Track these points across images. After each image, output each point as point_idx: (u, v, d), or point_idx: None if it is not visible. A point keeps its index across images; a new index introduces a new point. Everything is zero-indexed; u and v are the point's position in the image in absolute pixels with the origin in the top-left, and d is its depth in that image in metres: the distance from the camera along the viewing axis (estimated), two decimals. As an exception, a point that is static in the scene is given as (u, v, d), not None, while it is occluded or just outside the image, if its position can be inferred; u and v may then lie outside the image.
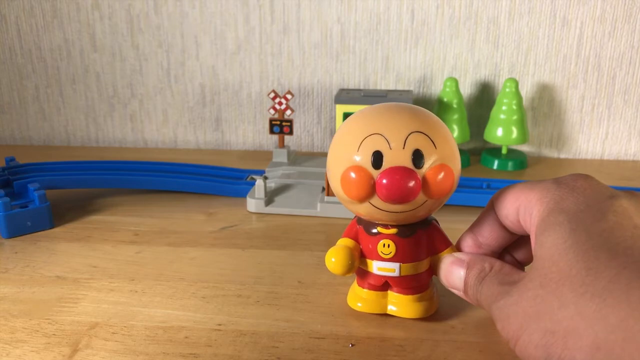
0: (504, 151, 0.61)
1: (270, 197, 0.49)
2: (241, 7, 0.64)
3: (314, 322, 0.32)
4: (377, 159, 0.27)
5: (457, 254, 0.30)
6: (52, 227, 0.45)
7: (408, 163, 0.27)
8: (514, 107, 0.59)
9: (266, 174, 0.53)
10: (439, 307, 0.33)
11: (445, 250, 0.30)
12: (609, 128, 0.65)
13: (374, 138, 0.27)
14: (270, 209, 0.48)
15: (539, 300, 0.22)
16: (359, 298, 0.32)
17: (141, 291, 0.35)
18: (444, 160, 0.27)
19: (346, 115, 0.55)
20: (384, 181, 0.26)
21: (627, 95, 0.63)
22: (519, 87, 0.60)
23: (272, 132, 0.56)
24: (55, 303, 0.34)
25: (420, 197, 0.27)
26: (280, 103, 0.55)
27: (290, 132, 0.56)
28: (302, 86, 0.66)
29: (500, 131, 0.60)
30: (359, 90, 0.60)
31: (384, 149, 0.27)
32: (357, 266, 0.31)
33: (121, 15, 0.65)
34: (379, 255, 0.30)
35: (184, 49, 0.66)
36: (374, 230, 0.30)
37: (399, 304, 0.31)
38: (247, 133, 0.69)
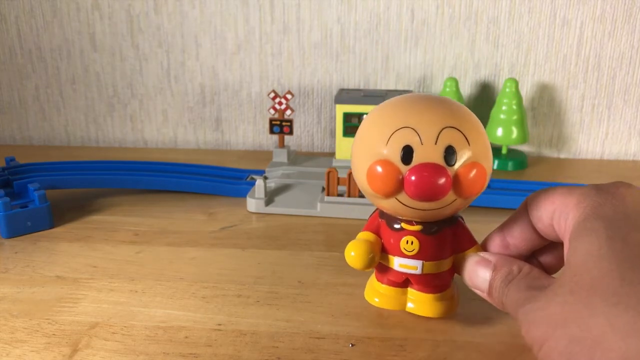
0: (504, 151, 0.61)
1: (270, 197, 0.49)
2: (241, 7, 0.64)
3: (314, 322, 0.32)
4: (407, 153, 0.26)
5: (484, 254, 0.29)
6: (52, 227, 0.45)
7: (439, 160, 0.26)
8: (514, 107, 0.59)
9: (266, 174, 0.53)
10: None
11: (470, 249, 0.29)
12: (609, 128, 0.65)
13: (404, 131, 0.26)
14: (270, 209, 0.48)
15: (568, 307, 0.21)
16: (377, 293, 0.31)
17: (141, 291, 0.35)
18: (477, 158, 0.26)
19: (346, 115, 0.55)
20: (413, 178, 0.25)
21: (627, 95, 0.63)
22: (519, 87, 0.60)
23: (272, 132, 0.56)
24: (55, 303, 0.34)
25: (450, 195, 0.26)
26: (280, 103, 0.55)
27: (290, 132, 0.56)
28: (302, 86, 0.66)
29: (500, 131, 0.60)
30: (359, 90, 0.60)
31: (414, 143, 0.26)
32: (378, 261, 0.30)
33: (121, 15, 0.65)
34: (402, 251, 0.29)
35: (184, 49, 0.66)
36: (397, 226, 0.29)
37: (418, 302, 0.30)
38: (247, 133, 0.69)
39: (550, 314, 0.22)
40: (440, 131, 0.26)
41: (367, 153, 0.27)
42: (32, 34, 0.67)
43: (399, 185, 0.26)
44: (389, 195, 0.26)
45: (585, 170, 0.61)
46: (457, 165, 0.26)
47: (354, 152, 0.28)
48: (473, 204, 0.47)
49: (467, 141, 0.26)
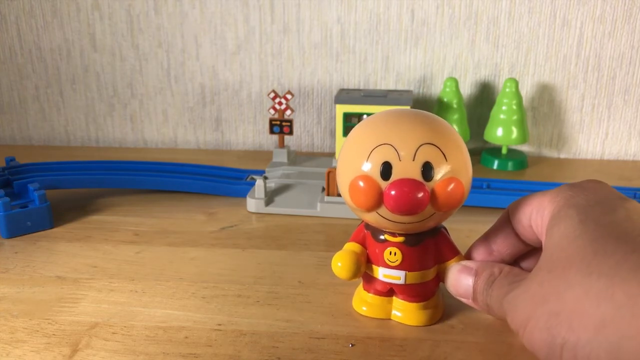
0: (504, 151, 0.61)
1: (270, 197, 0.49)
2: (241, 7, 0.64)
3: (314, 322, 0.32)
4: (386, 169, 0.27)
5: (465, 262, 0.30)
6: (52, 227, 0.45)
7: (417, 175, 0.27)
8: (514, 107, 0.59)
9: (266, 174, 0.53)
10: (439, 307, 0.33)
11: (452, 259, 0.30)
12: (609, 128, 0.65)
13: (383, 148, 0.27)
14: (270, 209, 0.48)
15: (546, 284, 0.22)
16: (364, 302, 0.32)
17: (141, 291, 0.35)
18: (454, 173, 0.27)
19: (346, 115, 0.55)
20: (392, 192, 0.26)
21: (627, 95, 0.63)
22: (519, 87, 0.60)
23: (272, 132, 0.56)
24: (55, 303, 0.34)
25: (429, 209, 0.27)
26: (280, 103, 0.55)
27: (290, 132, 0.56)
28: (302, 86, 0.66)
29: (500, 131, 0.60)
30: (359, 90, 0.60)
31: (393, 159, 0.27)
32: (363, 271, 0.31)
33: (121, 15, 0.65)
34: (385, 262, 0.30)
35: (184, 49, 0.66)
36: (381, 237, 0.30)
37: (403, 311, 0.31)
38: (247, 133, 0.69)
39: (531, 295, 0.23)
40: (418, 148, 0.27)
41: (349, 169, 0.28)
42: (32, 34, 0.67)
43: (379, 200, 0.27)
44: (370, 209, 0.28)
45: (585, 170, 0.61)
46: (434, 181, 0.27)
47: (339, 167, 0.30)
48: (473, 204, 0.48)
49: (445, 157, 0.27)
